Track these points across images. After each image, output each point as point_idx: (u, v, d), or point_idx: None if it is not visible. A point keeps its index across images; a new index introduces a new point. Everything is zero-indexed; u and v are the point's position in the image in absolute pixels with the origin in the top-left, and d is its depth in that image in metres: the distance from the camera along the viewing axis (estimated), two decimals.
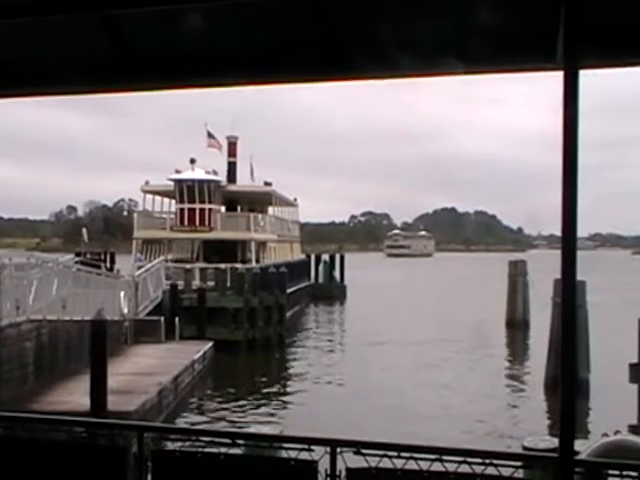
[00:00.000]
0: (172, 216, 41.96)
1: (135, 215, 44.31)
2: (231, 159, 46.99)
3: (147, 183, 43.27)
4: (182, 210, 41.18)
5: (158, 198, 44.46)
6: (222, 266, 35.73)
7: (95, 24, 3.43)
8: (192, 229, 40.97)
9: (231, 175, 46.49)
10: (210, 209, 41.13)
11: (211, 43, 3.45)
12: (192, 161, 41.37)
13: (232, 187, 44.35)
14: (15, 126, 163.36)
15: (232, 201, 44.39)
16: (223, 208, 43.56)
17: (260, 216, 44.59)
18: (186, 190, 40.90)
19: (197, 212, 40.89)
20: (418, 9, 3.25)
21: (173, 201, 43.05)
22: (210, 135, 44.68)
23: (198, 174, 41.17)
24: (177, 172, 41.94)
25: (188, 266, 37.14)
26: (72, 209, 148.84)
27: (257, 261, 40.84)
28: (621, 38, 3.10)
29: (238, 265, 36.87)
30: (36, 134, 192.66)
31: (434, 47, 3.22)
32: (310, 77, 3.70)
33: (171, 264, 37.94)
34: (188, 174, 41.31)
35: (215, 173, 42.82)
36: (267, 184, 45.56)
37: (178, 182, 41.27)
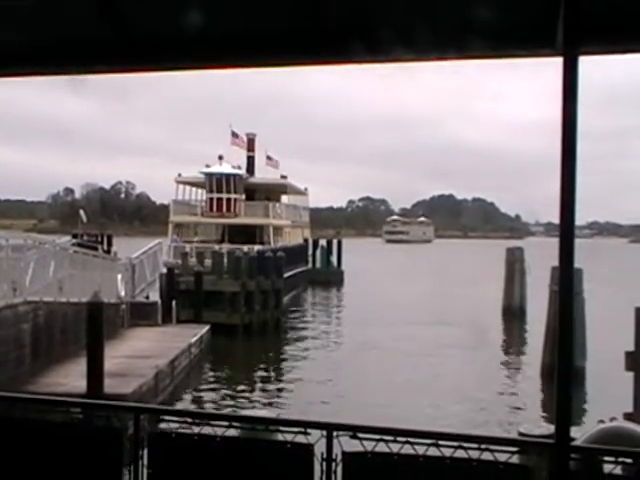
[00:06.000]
0: (203, 204, 48.40)
1: (171, 202, 49.20)
2: (250, 153, 52.85)
3: (180, 175, 49.10)
4: (211, 199, 47.57)
5: (183, 188, 49.86)
6: (245, 248, 39.48)
7: (93, 4, 3.40)
8: (220, 215, 47.24)
9: (250, 168, 52.23)
10: (235, 198, 47.45)
11: (209, 24, 3.41)
12: (220, 157, 47.70)
13: (253, 179, 50.48)
14: (13, 108, 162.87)
15: (251, 191, 49.97)
16: (243, 197, 49.01)
17: (277, 204, 51.31)
18: (215, 182, 47.08)
19: (224, 200, 47.17)
20: None
21: (200, 190, 49.57)
22: (234, 134, 50.25)
23: (225, 168, 47.41)
24: (207, 166, 47.93)
25: (217, 247, 40.99)
26: (69, 191, 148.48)
27: (274, 243, 45.86)
28: (621, 24, 3.07)
29: (258, 246, 41.35)
30: (34, 116, 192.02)
31: (434, 33, 3.19)
32: (309, 60, 3.67)
33: (200, 245, 43.46)
34: (217, 168, 47.42)
35: (239, 167, 49.02)
36: (283, 177, 52.02)
37: (208, 175, 47.47)
